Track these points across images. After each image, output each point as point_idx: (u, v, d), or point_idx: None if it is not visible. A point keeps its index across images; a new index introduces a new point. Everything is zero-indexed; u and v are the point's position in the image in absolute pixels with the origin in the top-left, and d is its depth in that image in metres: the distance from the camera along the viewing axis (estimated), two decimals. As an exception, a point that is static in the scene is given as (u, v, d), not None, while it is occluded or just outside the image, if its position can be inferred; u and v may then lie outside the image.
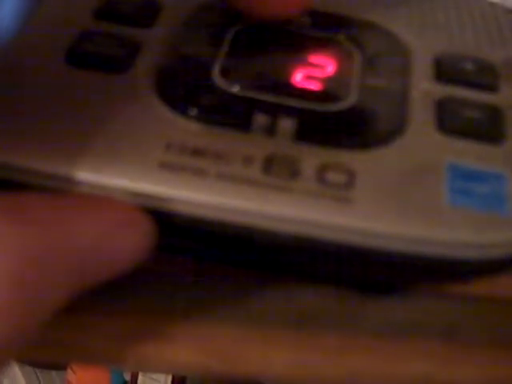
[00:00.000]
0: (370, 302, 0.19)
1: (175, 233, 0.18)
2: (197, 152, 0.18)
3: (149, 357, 0.18)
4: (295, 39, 0.22)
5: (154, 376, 0.77)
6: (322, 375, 0.18)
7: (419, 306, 0.19)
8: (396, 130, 0.19)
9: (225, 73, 0.20)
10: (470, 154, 0.18)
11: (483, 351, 0.19)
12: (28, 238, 0.14)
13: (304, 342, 0.18)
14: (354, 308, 0.19)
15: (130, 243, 0.16)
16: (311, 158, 0.18)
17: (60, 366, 0.88)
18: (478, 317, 0.20)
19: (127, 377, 0.82)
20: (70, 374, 0.86)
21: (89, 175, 0.17)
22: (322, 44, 0.21)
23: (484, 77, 0.21)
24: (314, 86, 0.20)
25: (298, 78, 0.20)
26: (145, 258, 0.17)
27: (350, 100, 0.20)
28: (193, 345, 0.18)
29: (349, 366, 0.18)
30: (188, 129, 0.18)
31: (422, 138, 0.19)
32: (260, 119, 0.19)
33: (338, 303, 0.19)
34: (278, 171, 0.17)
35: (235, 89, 0.19)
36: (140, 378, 0.78)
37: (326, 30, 0.22)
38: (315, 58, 0.21)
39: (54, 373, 0.90)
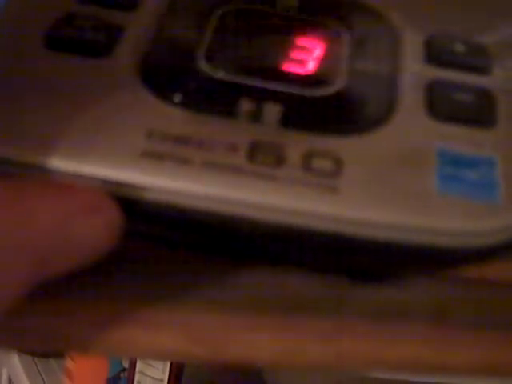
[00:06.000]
0: (358, 286, 0.19)
1: (159, 222, 0.17)
2: (180, 139, 0.17)
3: (135, 343, 0.18)
4: (282, 22, 0.21)
5: (153, 363, 0.77)
6: (310, 360, 0.18)
7: (409, 290, 0.19)
8: (385, 115, 0.18)
9: (210, 58, 0.19)
10: (460, 138, 0.18)
11: (473, 334, 0.19)
12: None
13: (291, 327, 0.18)
14: (342, 292, 0.19)
15: (93, 230, 0.16)
16: (297, 144, 0.17)
17: (59, 354, 0.89)
18: (468, 300, 0.19)
19: (126, 364, 0.82)
20: (69, 362, 0.86)
21: (68, 164, 0.17)
22: (309, 27, 0.21)
23: (476, 59, 0.20)
24: (301, 71, 0.19)
25: (285, 62, 0.20)
26: (111, 246, 0.16)
27: (338, 84, 0.19)
28: (179, 331, 0.18)
29: (338, 350, 0.18)
30: (172, 115, 0.18)
31: (411, 123, 0.18)
32: (245, 105, 0.18)
33: (325, 288, 0.19)
34: (264, 159, 0.17)
35: (220, 74, 0.19)
36: (138, 364, 0.78)
37: (314, 12, 0.21)
38: (302, 42, 0.20)
39: (52, 361, 0.90)
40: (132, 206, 0.17)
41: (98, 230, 0.16)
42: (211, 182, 0.17)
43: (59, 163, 0.17)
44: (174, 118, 0.18)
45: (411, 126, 0.18)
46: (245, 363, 0.18)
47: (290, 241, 0.17)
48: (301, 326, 0.18)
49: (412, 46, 0.20)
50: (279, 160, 0.17)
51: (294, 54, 0.20)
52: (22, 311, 0.15)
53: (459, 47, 0.20)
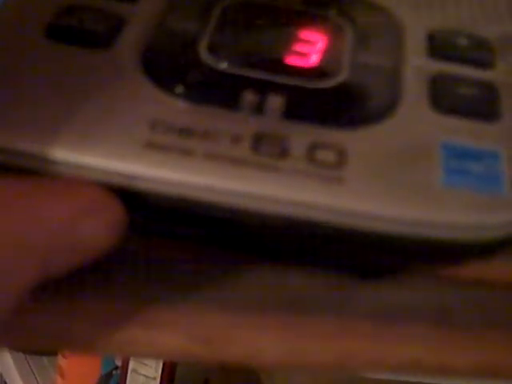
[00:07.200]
0: (359, 287, 0.19)
1: (161, 215, 0.17)
2: (184, 131, 0.17)
3: (135, 343, 0.18)
4: (285, 15, 0.21)
5: (145, 361, 0.77)
6: (313, 361, 0.18)
7: (410, 290, 0.19)
8: (388, 108, 0.18)
9: (212, 49, 0.19)
10: (464, 132, 0.18)
11: (474, 336, 0.19)
12: None
13: (293, 326, 0.18)
14: (343, 292, 0.19)
15: (97, 230, 0.16)
16: (301, 136, 0.17)
17: (51, 352, 0.88)
18: (469, 301, 0.19)
19: (118, 362, 0.82)
20: (61, 360, 0.85)
21: (71, 155, 0.16)
22: (312, 20, 0.21)
23: (479, 53, 0.20)
24: (304, 63, 0.19)
25: (288, 54, 0.20)
26: (116, 243, 0.16)
27: (341, 77, 0.19)
28: (180, 330, 0.18)
29: (341, 351, 0.18)
30: (175, 107, 0.18)
31: (415, 116, 0.18)
32: (248, 97, 0.18)
33: (327, 288, 0.19)
34: (267, 150, 0.17)
35: (223, 66, 0.19)
36: (131, 363, 0.78)
37: (317, 5, 0.21)
38: (305, 34, 0.20)
39: (45, 359, 0.90)
40: (134, 198, 0.16)
41: (101, 230, 0.16)
42: (215, 173, 0.16)
43: (61, 154, 0.16)
44: (176, 109, 0.18)
45: (415, 119, 0.18)
46: (246, 363, 0.18)
47: (293, 232, 0.17)
48: (302, 327, 0.18)
49: (415, 39, 0.20)
50: (283, 151, 0.17)
51: (297, 47, 0.20)
52: (23, 311, 0.15)
53: (462, 41, 0.20)
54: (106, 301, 0.18)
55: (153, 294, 0.18)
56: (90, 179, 0.16)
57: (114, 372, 0.84)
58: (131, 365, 0.78)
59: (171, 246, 0.19)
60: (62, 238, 0.15)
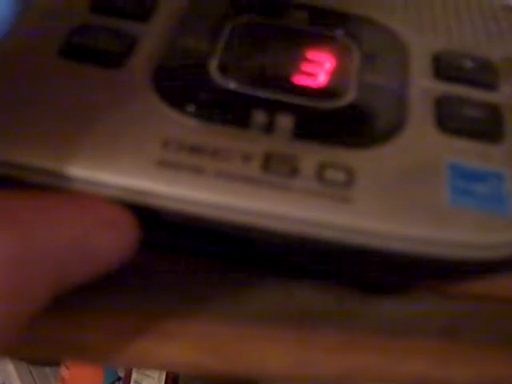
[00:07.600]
0: (368, 301, 0.19)
1: (173, 231, 0.17)
2: (195, 149, 0.17)
3: (145, 355, 0.18)
4: (293, 36, 0.21)
5: (148, 372, 0.76)
6: (320, 373, 0.18)
7: (418, 305, 0.19)
8: (395, 128, 0.19)
9: (223, 69, 0.20)
10: (469, 152, 0.18)
11: (481, 351, 0.19)
12: (9, 238, 0.14)
13: (302, 340, 0.18)
14: (352, 306, 0.19)
15: (112, 243, 0.16)
16: (310, 155, 0.18)
17: (54, 363, 0.88)
18: (477, 316, 0.19)
19: (121, 373, 0.82)
20: (63, 370, 0.85)
21: (84, 172, 0.17)
22: (320, 41, 0.21)
23: (483, 74, 0.21)
24: (313, 83, 0.20)
25: (297, 74, 0.20)
26: (128, 258, 0.16)
27: (349, 97, 0.19)
28: (189, 343, 0.18)
29: (347, 364, 0.18)
30: (186, 125, 0.18)
31: (421, 137, 0.19)
32: (258, 116, 0.18)
33: (336, 302, 0.19)
34: (277, 169, 0.17)
35: (233, 85, 0.19)
36: (134, 374, 0.78)
37: (325, 26, 0.22)
38: (313, 55, 0.21)
39: (47, 369, 0.90)
40: (147, 214, 0.17)
41: (115, 244, 0.16)
42: (225, 191, 0.17)
43: (75, 171, 0.17)
44: (188, 127, 0.18)
45: (421, 139, 0.18)
46: (253, 375, 0.18)
47: (302, 250, 0.17)
48: (309, 339, 0.18)
49: (420, 60, 0.21)
50: (293, 170, 0.17)
51: (306, 67, 0.20)
52: (35, 322, 0.15)
53: (467, 63, 0.21)
54: (116, 313, 0.18)
55: (164, 307, 0.18)
56: (104, 195, 0.17)
57: (116, 383, 0.84)
58: (134, 376, 0.78)
59: (180, 259, 0.19)
60: (76, 250, 0.15)
